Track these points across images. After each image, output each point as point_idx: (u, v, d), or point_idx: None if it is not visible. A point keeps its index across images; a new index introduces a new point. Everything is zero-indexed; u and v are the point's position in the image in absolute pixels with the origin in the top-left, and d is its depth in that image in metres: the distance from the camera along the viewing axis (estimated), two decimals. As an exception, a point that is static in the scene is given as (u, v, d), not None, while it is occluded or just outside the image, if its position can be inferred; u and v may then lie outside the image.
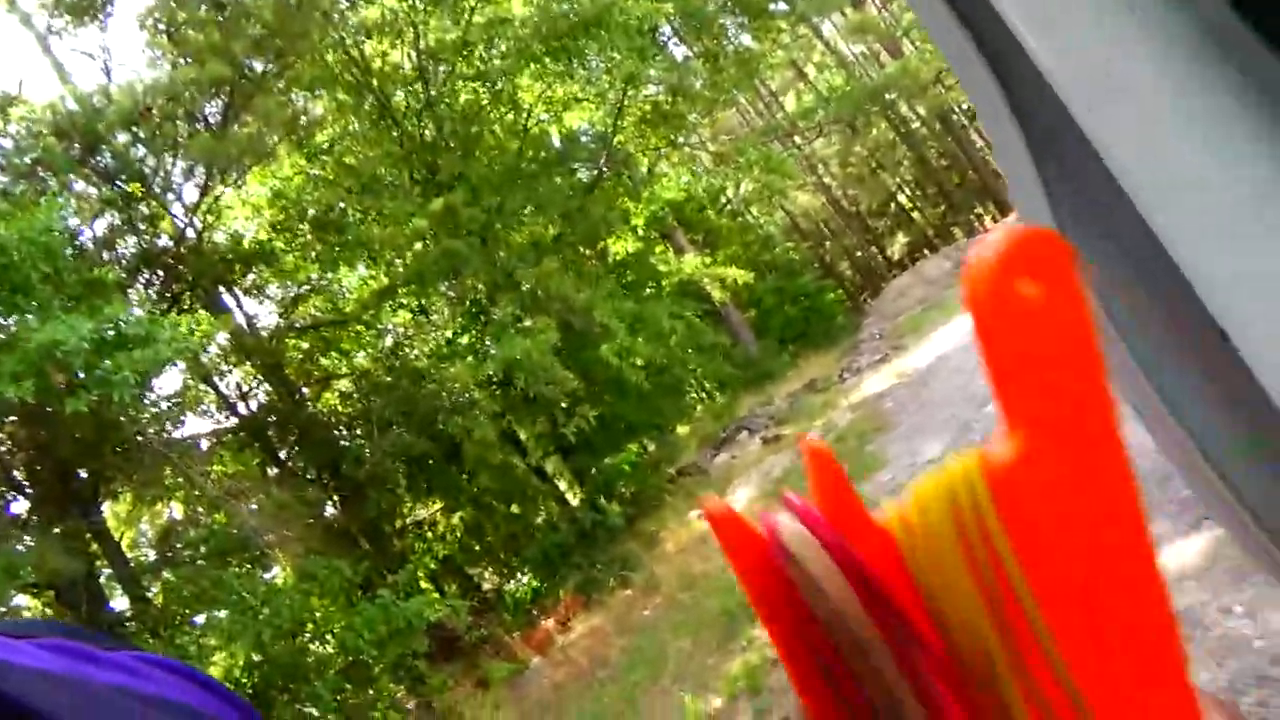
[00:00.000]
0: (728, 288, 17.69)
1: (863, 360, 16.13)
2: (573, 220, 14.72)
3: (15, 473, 9.56)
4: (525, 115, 15.66)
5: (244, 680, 10.34)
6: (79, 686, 0.46)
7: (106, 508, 11.22)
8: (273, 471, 12.96)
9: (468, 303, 14.58)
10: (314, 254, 13.99)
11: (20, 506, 9.82)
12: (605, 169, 15.89)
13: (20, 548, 8.88)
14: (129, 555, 11.48)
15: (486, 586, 15.86)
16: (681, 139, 17.19)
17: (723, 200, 21.85)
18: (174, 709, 0.50)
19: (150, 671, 0.52)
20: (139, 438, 9.85)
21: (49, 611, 10.36)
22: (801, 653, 0.39)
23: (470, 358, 13.20)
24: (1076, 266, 0.32)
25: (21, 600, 9.94)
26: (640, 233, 16.98)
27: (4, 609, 8.54)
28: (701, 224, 21.14)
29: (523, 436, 15.68)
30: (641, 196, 16.46)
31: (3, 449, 9.67)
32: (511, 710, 9.66)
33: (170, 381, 16.39)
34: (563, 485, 16.90)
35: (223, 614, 10.53)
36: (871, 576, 0.36)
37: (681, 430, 18.58)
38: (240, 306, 14.05)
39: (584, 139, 16.96)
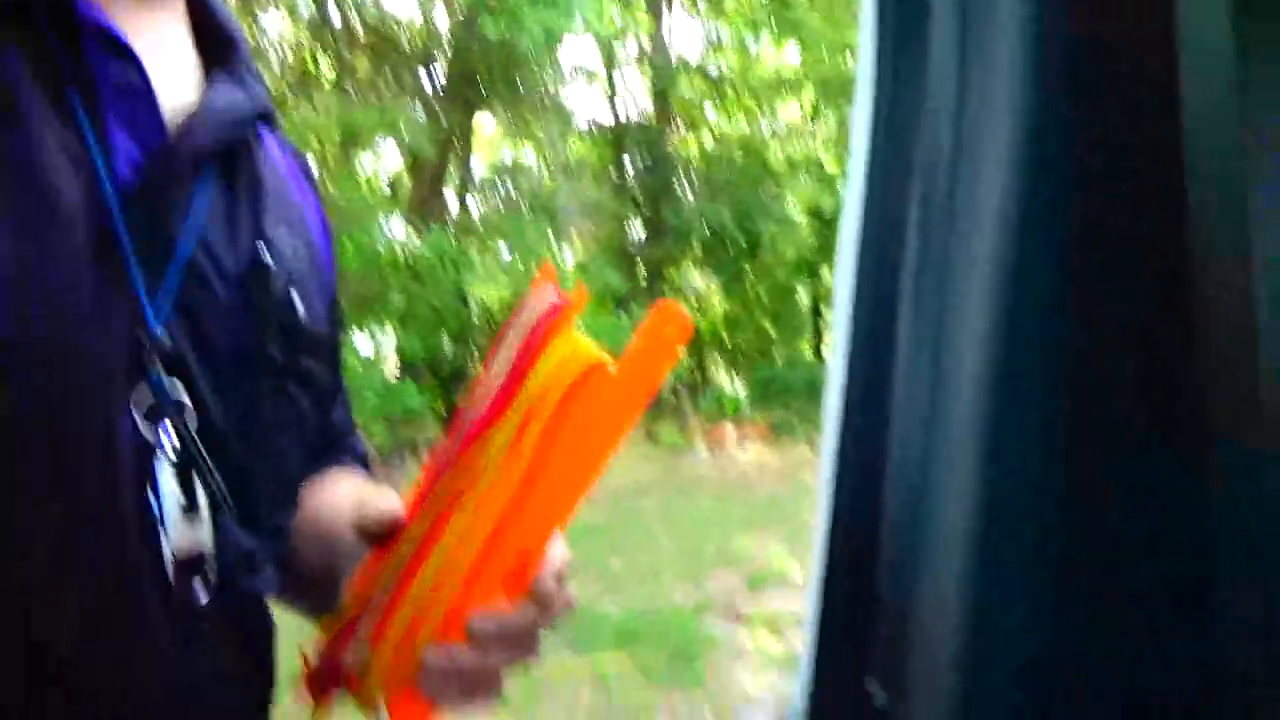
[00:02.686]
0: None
1: None
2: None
3: (432, 67, 11.33)
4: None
5: (494, 309, 12.19)
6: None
7: (478, 121, 13.01)
8: (610, 171, 14.24)
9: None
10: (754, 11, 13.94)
11: (420, 83, 11.67)
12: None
13: (411, 113, 10.84)
14: (475, 170, 13.39)
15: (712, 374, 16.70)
16: None
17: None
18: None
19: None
20: (532, 83, 11.28)
21: (400, 165, 12.40)
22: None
23: (819, 182, 13.29)
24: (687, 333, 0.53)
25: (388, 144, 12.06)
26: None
27: (368, 150, 10.51)
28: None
29: (825, 274, 15.77)
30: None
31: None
32: (656, 465, 10.39)
33: (583, 55, 17.61)
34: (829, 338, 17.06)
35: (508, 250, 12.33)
36: (536, 338, 0.54)
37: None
38: (669, 25, 14.47)
39: None
